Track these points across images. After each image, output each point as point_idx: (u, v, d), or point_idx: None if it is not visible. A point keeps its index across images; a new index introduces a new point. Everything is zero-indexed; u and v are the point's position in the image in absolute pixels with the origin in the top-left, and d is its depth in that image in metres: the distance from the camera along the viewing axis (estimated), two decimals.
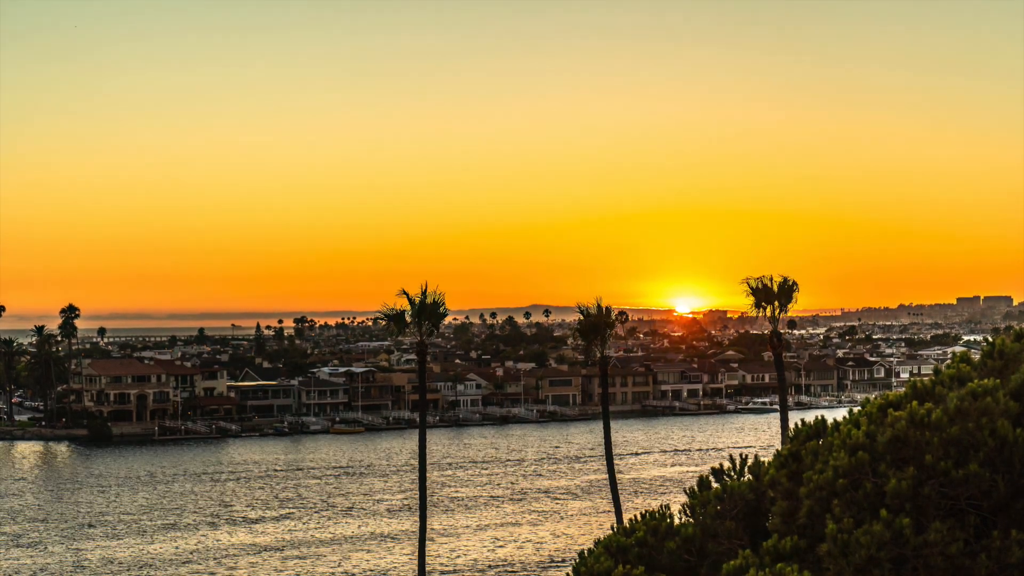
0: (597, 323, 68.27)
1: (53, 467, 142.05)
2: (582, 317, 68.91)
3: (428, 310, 62.12)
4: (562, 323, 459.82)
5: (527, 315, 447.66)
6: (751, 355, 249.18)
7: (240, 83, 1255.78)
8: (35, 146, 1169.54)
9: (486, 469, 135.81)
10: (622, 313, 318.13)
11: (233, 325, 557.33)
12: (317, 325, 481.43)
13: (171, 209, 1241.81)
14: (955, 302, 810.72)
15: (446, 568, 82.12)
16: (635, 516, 16.66)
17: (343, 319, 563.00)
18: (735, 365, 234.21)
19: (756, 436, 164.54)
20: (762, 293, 61.95)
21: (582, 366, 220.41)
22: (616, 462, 76.56)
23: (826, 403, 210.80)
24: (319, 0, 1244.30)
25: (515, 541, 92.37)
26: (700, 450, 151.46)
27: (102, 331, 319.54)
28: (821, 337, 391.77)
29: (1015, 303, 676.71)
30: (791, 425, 18.08)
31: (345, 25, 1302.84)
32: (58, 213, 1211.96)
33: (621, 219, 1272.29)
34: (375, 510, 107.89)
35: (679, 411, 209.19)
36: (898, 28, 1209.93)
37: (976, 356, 15.96)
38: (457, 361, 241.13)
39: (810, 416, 16.35)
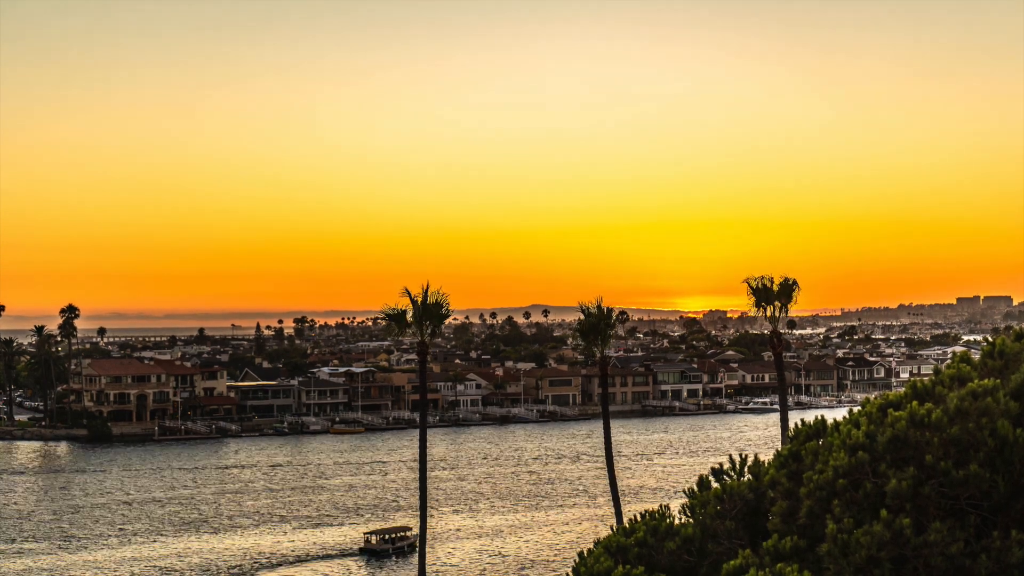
0: (598, 323, 68.10)
1: (51, 467, 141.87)
2: (583, 316, 68.71)
3: (430, 310, 61.98)
4: (562, 323, 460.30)
5: (527, 315, 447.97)
6: (751, 355, 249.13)
7: (242, 84, 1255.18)
8: (35, 146, 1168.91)
9: (486, 469, 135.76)
10: (622, 313, 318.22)
11: (233, 325, 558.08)
12: (317, 325, 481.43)
13: (171, 209, 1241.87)
14: (955, 302, 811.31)
15: (446, 568, 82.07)
16: (635, 516, 16.66)
17: (343, 319, 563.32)
18: (735, 365, 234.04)
19: (756, 436, 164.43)
20: (762, 292, 61.76)
21: (582, 366, 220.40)
22: (616, 462, 76.47)
23: (826, 403, 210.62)
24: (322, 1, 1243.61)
25: (515, 541, 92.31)
26: (700, 450, 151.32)
27: (102, 331, 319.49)
28: (821, 337, 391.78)
29: (1015, 303, 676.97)
30: (791, 425, 18.07)
31: (355, 24, 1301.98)
32: (58, 213, 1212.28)
33: (621, 220, 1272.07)
34: (375, 511, 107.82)
35: (679, 411, 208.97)
36: (899, 29, 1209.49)
37: (976, 356, 15.94)
38: (457, 361, 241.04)
39: (810, 416, 16.34)
